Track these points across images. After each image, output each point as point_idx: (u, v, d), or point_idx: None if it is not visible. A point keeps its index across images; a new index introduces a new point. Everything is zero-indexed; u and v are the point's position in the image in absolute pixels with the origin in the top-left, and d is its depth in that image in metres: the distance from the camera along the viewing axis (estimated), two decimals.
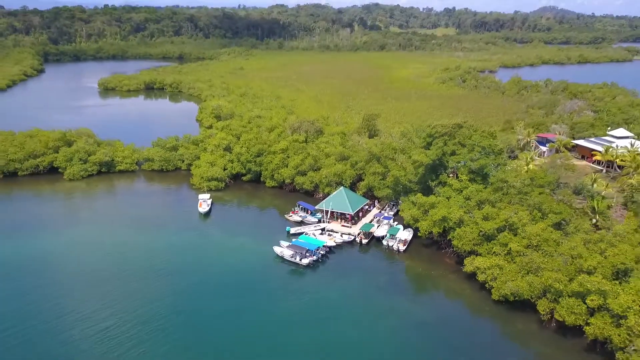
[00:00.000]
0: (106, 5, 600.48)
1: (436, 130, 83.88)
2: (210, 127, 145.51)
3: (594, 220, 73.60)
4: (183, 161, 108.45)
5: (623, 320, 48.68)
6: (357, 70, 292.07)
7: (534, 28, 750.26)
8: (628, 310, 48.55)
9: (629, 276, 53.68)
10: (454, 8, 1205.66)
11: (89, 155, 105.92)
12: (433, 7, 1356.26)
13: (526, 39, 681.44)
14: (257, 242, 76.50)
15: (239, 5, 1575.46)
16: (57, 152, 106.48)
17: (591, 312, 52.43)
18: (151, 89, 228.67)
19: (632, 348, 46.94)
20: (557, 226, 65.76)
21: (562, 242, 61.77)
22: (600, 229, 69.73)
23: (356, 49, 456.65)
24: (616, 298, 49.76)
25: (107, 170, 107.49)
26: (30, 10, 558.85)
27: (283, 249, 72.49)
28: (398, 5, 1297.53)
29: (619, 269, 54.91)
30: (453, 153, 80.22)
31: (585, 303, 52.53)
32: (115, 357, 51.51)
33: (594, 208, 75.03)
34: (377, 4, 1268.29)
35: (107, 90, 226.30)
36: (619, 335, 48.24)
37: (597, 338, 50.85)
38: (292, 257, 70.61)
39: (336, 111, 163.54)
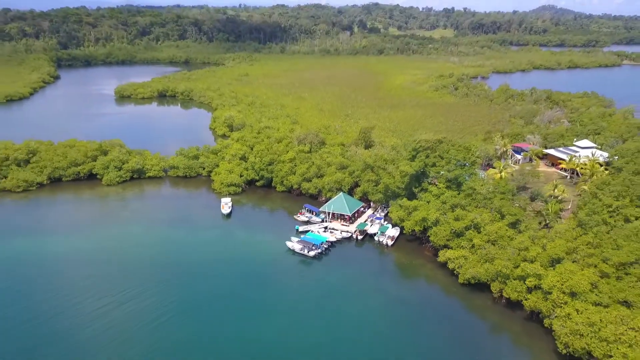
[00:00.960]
0: (113, 9, 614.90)
1: (420, 145, 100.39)
2: (224, 135, 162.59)
3: (547, 220, 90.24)
4: (204, 168, 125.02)
5: (549, 295, 65.41)
6: (356, 76, 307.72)
7: (530, 30, 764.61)
8: (553, 287, 65.26)
9: (560, 263, 70.29)
10: (452, 8, 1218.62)
11: (122, 164, 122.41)
12: (432, 6, 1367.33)
13: (522, 42, 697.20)
14: (272, 238, 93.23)
15: (240, 5, 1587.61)
16: (95, 161, 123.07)
17: (529, 290, 69.13)
18: (164, 96, 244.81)
19: (554, 315, 63.59)
20: (513, 225, 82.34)
21: (514, 238, 78.41)
22: (551, 227, 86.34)
23: (356, 53, 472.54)
24: (543, 277, 66.52)
25: (138, 176, 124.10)
26: (38, 14, 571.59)
27: (293, 244, 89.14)
28: (398, 5, 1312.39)
29: (554, 258, 71.54)
30: (434, 164, 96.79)
31: (525, 284, 69.25)
32: (159, 322, 68.35)
33: (548, 210, 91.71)
34: (376, 4, 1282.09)
35: (122, 97, 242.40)
36: (546, 307, 64.98)
37: (533, 309, 67.61)
38: (301, 250, 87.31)
39: (336, 120, 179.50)
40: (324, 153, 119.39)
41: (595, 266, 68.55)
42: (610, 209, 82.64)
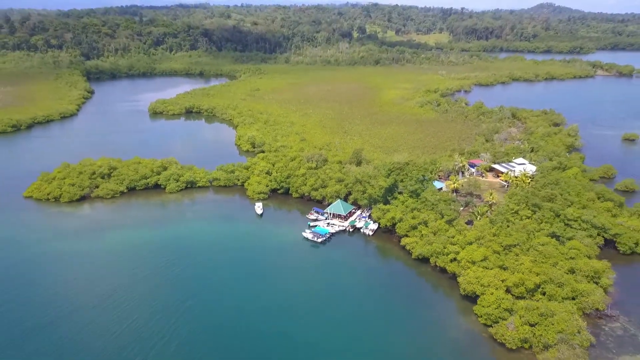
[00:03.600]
0: (127, 18, 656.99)
1: (393, 165, 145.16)
2: (247, 151, 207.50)
3: (478, 219, 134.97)
4: (239, 180, 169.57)
5: (460, 263, 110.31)
6: (353, 90, 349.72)
7: (521, 36, 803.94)
8: (462, 259, 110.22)
9: (470, 245, 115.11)
10: (451, 8, 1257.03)
11: (179, 177, 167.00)
12: (432, 5, 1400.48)
13: (512, 48, 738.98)
14: (292, 230, 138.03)
15: (242, 4, 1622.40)
16: (159, 175, 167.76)
17: (451, 261, 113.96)
18: (190, 112, 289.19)
19: (461, 275, 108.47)
20: (449, 222, 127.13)
21: (448, 230, 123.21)
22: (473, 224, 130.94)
23: (354, 63, 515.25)
24: (459, 253, 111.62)
25: (190, 186, 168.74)
26: (59, 23, 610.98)
27: (307, 234, 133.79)
28: (397, 5, 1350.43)
29: (468, 242, 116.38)
30: (402, 180, 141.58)
31: (448, 257, 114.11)
32: (218, 281, 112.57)
33: (477, 212, 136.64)
34: (376, 4, 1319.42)
35: (155, 114, 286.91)
36: (458, 270, 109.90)
37: (452, 272, 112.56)
38: (312, 238, 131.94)
39: (336, 136, 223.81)
40: (326, 169, 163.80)
41: (491, 247, 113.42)
42: (513, 211, 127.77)
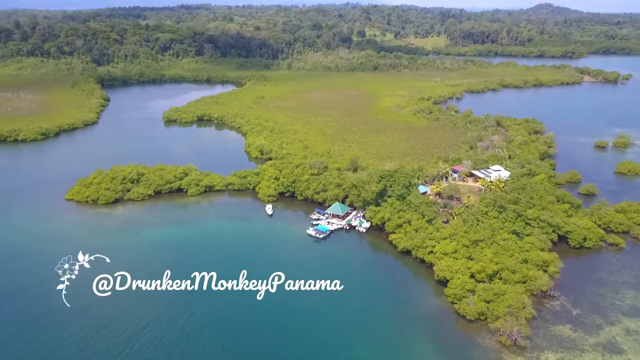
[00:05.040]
0: (136, 24, 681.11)
1: (384, 173, 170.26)
2: (257, 157, 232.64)
3: (454, 218, 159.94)
4: (251, 184, 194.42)
5: (436, 255, 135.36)
6: (351, 98, 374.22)
7: (516, 40, 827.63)
8: (437, 251, 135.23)
9: (445, 240, 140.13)
10: (450, 10, 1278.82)
11: (199, 181, 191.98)
12: (431, 5, 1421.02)
13: (506, 52, 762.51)
14: (298, 228, 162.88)
15: (243, 5, 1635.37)
16: (181, 180, 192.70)
17: (429, 253, 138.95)
18: (202, 120, 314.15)
19: (437, 265, 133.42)
20: (429, 221, 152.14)
21: (427, 228, 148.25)
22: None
23: (353, 69, 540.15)
24: (435, 247, 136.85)
25: (209, 190, 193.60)
26: (69, 29, 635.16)
27: (310, 231, 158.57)
28: (397, 6, 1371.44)
29: (443, 237, 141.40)
30: (390, 186, 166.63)
31: (426, 250, 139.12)
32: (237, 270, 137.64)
33: (454, 213, 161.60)
34: (375, 6, 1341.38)
35: (169, 121, 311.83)
36: (434, 260, 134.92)
37: (430, 262, 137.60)
38: (315, 234, 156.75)
39: (336, 143, 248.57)
40: (327, 175, 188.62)
41: (461, 242, 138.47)
42: (482, 212, 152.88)
